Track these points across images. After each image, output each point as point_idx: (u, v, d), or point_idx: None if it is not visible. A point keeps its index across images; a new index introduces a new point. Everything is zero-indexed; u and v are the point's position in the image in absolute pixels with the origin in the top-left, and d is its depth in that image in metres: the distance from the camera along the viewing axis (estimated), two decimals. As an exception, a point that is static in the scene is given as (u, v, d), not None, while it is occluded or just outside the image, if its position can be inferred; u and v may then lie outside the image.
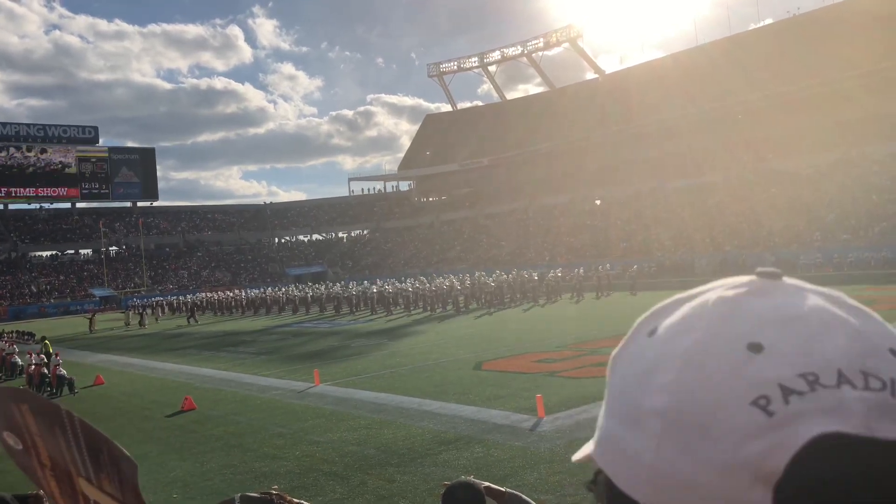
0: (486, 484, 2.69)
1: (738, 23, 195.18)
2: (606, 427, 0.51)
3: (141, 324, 41.08)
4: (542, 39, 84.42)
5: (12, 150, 79.57)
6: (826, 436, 0.40)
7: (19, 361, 21.92)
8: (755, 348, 0.45)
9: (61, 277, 73.22)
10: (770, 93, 58.62)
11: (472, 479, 2.77)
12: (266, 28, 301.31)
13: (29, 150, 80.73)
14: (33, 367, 18.48)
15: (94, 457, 0.87)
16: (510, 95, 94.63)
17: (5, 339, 30.03)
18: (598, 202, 66.81)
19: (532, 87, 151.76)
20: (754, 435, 0.42)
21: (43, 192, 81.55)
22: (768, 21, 73.11)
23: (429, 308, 34.04)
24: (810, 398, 0.42)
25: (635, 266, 39.31)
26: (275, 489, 2.40)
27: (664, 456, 0.45)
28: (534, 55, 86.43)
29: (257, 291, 49.18)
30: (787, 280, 0.51)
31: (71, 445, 0.88)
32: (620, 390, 0.50)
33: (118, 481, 0.86)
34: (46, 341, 22.65)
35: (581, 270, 36.58)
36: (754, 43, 64.96)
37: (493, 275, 37.12)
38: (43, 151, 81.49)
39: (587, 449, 0.56)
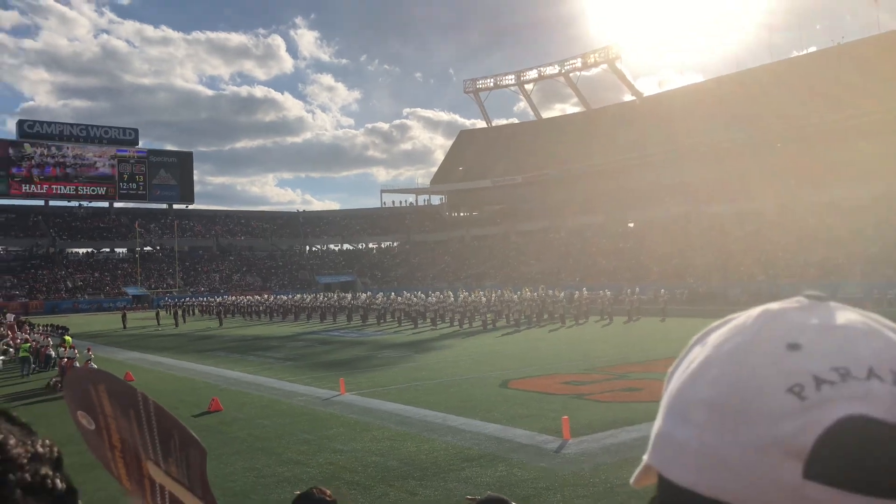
0: None
1: (778, 50, 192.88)
2: (659, 428, 0.54)
3: (176, 323, 41.95)
4: (579, 59, 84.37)
5: (54, 148, 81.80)
6: (853, 417, 0.44)
7: (53, 354, 22.39)
8: (794, 347, 0.49)
9: (96, 275, 74.74)
10: (813, 122, 57.72)
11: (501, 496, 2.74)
12: (307, 39, 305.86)
13: (71, 149, 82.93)
14: (66, 360, 18.94)
15: (165, 441, 0.87)
16: (546, 114, 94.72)
17: (39, 332, 30.75)
18: (630, 225, 66.24)
19: (568, 107, 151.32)
20: (787, 416, 0.46)
21: (82, 190, 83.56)
22: (812, 49, 71.99)
23: (456, 323, 33.97)
24: (841, 387, 0.46)
25: (662, 290, 38.57)
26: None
27: (707, 441, 0.48)
28: (571, 75, 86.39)
29: (286, 297, 49.72)
30: (832, 303, 0.54)
31: (143, 428, 0.88)
32: (673, 394, 0.54)
33: (186, 467, 0.86)
34: (66, 337, 22.96)
35: (608, 292, 36.18)
36: (797, 70, 64.13)
37: (518, 293, 36.95)
38: (84, 151, 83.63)
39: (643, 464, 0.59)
